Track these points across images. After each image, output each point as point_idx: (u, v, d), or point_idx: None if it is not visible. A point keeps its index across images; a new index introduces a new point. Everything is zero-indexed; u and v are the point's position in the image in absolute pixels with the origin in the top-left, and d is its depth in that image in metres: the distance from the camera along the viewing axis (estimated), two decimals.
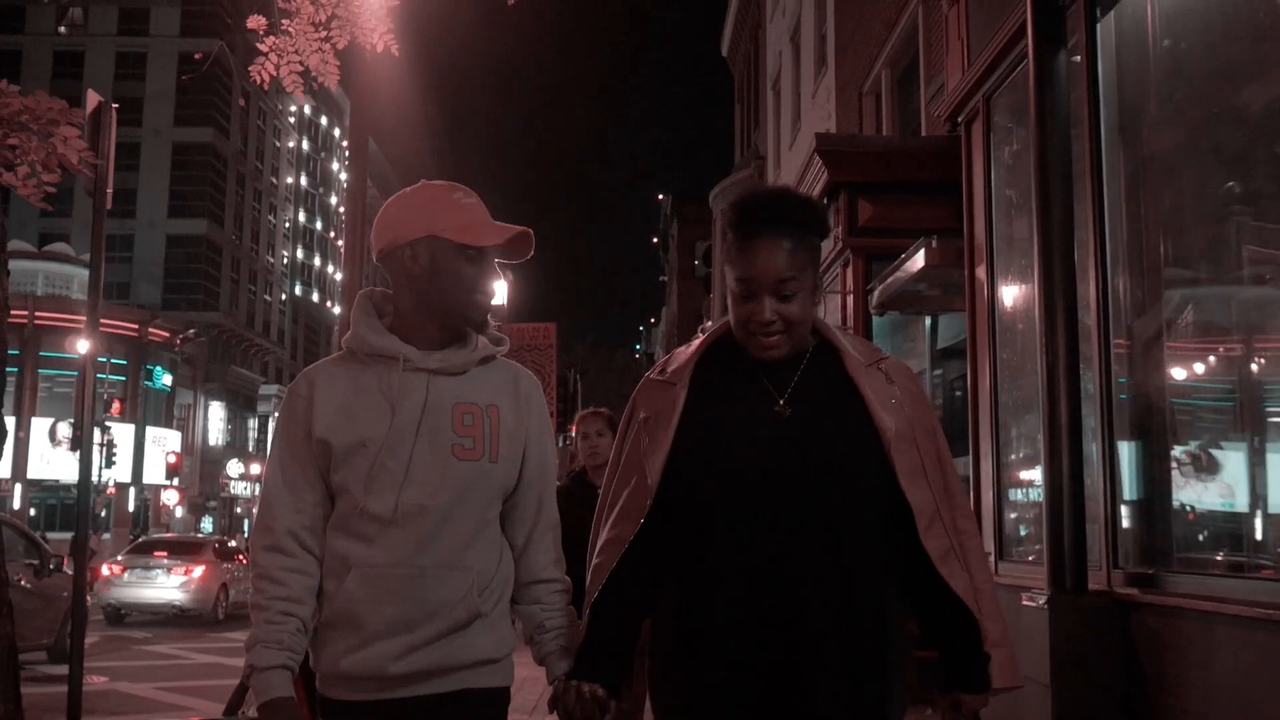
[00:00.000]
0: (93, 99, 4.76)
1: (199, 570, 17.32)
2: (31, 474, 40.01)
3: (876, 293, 8.31)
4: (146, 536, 27.12)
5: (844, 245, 8.64)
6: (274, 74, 5.77)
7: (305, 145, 70.07)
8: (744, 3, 24.41)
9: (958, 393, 8.61)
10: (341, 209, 73.87)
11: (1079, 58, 4.83)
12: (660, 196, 46.15)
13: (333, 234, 74.87)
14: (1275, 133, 3.90)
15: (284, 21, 5.81)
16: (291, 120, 67.12)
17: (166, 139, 54.45)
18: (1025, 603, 4.60)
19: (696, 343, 2.24)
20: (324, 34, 5.66)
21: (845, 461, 2.04)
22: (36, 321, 39.86)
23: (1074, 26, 4.79)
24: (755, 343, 2.10)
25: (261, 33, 5.67)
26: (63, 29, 55.99)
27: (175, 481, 44.13)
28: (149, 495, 45.49)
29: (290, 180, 67.29)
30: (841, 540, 2.00)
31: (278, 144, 64.83)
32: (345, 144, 77.01)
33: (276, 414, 2.33)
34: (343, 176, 75.04)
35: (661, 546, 2.07)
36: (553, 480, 2.30)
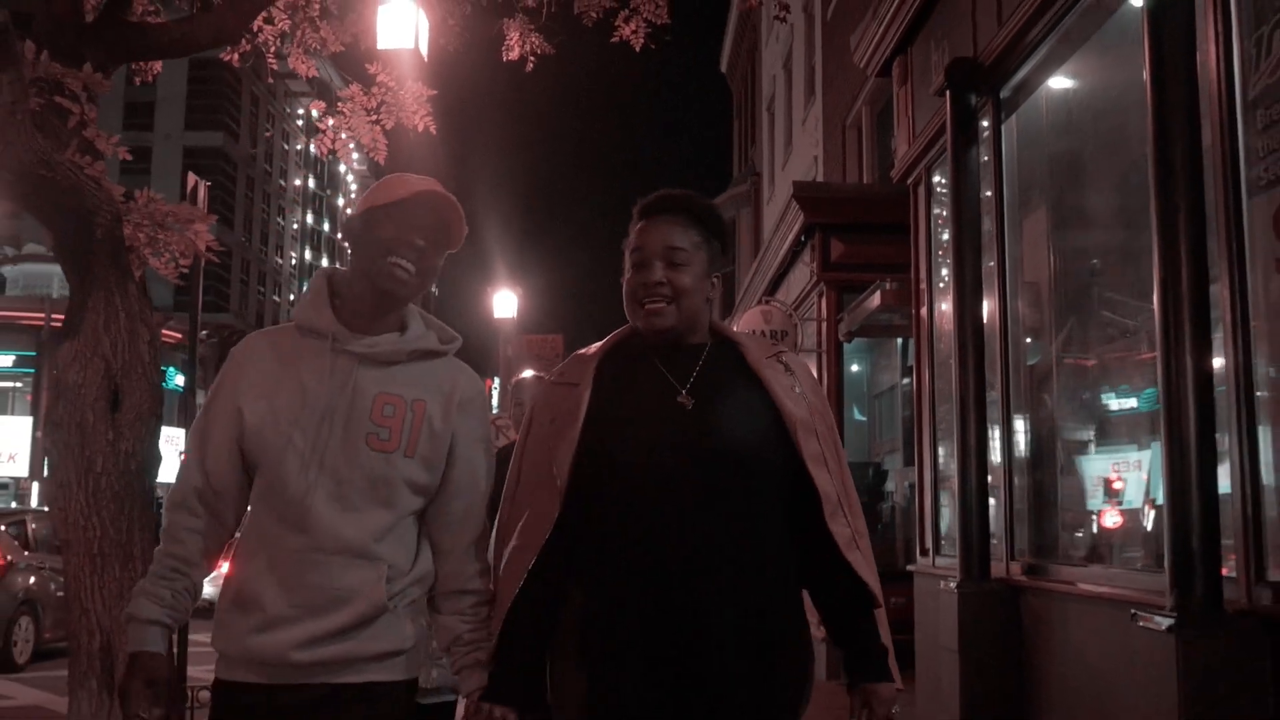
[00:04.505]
0: (190, 180, 5.90)
1: (225, 566, 18.33)
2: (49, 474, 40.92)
3: (844, 323, 9.42)
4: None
5: (818, 279, 9.74)
6: (332, 147, 7.01)
7: (313, 148, 71.00)
8: (741, 24, 24.81)
9: None
10: (349, 211, 74.81)
11: (988, 148, 5.95)
12: None
13: (339, 235, 75.95)
14: (1112, 217, 5.14)
15: (338, 104, 7.06)
16: (299, 123, 68.11)
17: (177, 143, 55.21)
18: (942, 587, 5.72)
19: (597, 345, 2.22)
20: (374, 117, 6.89)
21: (750, 448, 2.03)
22: (53, 324, 40.96)
23: (985, 124, 5.92)
24: (643, 312, 2.10)
25: (321, 114, 6.93)
26: None
27: None
28: (162, 493, 46.46)
29: (298, 183, 68.22)
30: (746, 528, 2.00)
31: (286, 146, 65.83)
32: (352, 145, 77.95)
33: None
34: (349, 178, 76.19)
35: (570, 549, 2.05)
36: (483, 489, 2.20)
